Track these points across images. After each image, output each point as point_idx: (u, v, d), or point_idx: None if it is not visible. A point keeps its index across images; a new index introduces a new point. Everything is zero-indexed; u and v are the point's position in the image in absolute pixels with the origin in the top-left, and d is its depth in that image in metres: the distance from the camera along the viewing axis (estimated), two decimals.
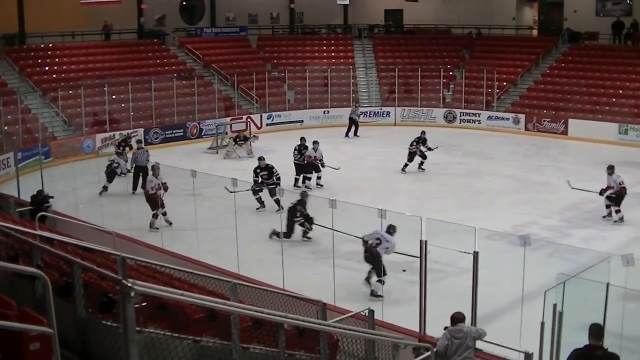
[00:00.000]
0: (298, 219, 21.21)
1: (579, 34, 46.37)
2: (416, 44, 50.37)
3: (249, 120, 40.40)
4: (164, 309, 8.18)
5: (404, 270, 18.14)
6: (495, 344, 11.61)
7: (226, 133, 37.49)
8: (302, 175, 28.33)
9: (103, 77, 39.60)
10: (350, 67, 47.45)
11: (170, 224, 23.02)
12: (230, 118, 40.54)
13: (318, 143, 28.52)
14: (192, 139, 38.91)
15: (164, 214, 22.90)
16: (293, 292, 13.14)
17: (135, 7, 46.00)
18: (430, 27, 52.99)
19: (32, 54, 40.56)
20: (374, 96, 46.20)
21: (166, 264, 12.44)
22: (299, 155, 28.38)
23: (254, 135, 35.85)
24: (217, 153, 35.34)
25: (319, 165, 28.21)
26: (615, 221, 23.57)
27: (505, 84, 44.32)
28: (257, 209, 24.71)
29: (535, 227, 22.75)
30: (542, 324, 10.96)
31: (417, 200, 25.78)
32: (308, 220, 21.30)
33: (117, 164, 27.39)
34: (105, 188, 26.91)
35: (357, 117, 40.91)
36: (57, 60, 41.31)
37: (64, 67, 40.79)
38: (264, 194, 24.30)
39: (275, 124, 42.79)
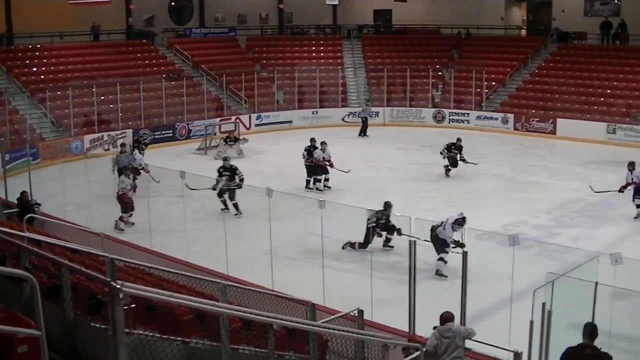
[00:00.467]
0: (376, 228, 20.08)
1: (567, 34, 46.46)
2: (405, 44, 50.43)
3: (237, 120, 40.35)
4: (153, 311, 8.16)
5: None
6: (485, 343, 11.62)
7: (215, 134, 37.44)
8: (312, 178, 28.03)
9: (91, 77, 39.46)
10: (339, 67, 47.48)
11: (133, 224, 22.97)
12: (219, 119, 40.53)
13: (326, 144, 28.22)
14: (181, 139, 38.87)
15: (130, 215, 22.87)
16: (282, 292, 13.14)
17: (124, 7, 45.85)
18: (419, 27, 53.06)
19: (20, 54, 40.37)
20: (363, 96, 46.17)
21: (155, 265, 12.41)
22: (308, 157, 28.03)
23: (244, 138, 35.81)
24: (205, 154, 35.28)
25: (327, 166, 27.87)
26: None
27: (494, 83, 44.41)
28: (222, 209, 24.44)
29: (524, 226, 22.81)
30: (531, 323, 10.98)
31: (407, 200, 25.77)
32: (388, 230, 20.31)
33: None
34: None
35: (368, 116, 41.13)
36: (45, 60, 41.18)
37: (52, 67, 40.70)
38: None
39: (264, 124, 42.78)
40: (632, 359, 13.35)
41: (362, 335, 10.95)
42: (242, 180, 24.34)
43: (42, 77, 39.31)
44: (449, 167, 29.80)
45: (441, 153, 29.91)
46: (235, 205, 23.92)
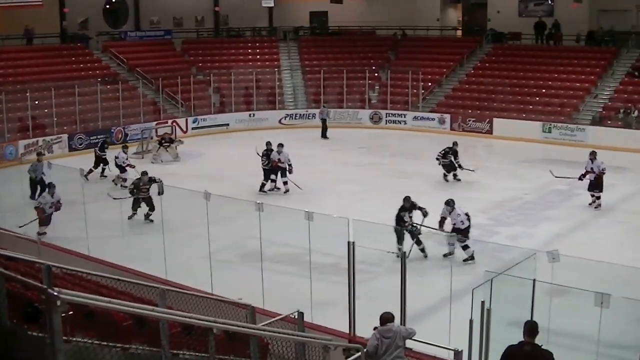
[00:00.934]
0: (406, 226, 19.98)
1: (502, 35, 47.08)
2: (341, 46, 50.54)
3: (174, 124, 40.15)
4: (91, 317, 8.08)
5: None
6: (425, 343, 11.67)
7: (152, 138, 37.23)
8: (269, 180, 28.09)
9: (25, 82, 38.93)
10: (276, 69, 47.46)
11: (44, 233, 22.59)
12: (156, 122, 40.25)
13: (283, 146, 28.20)
14: (118, 144, 38.47)
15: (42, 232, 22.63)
16: (222, 296, 13.08)
17: (58, 10, 45.35)
18: (355, 29, 53.28)
19: None
20: (300, 98, 46.23)
21: (93, 272, 12.30)
22: (266, 161, 28.01)
23: (179, 140, 35.66)
24: (142, 158, 35.03)
25: (286, 169, 27.80)
26: (596, 207, 24.87)
27: (430, 84, 44.79)
28: (129, 217, 24.08)
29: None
30: (471, 321, 11.07)
31: (342, 201, 25.85)
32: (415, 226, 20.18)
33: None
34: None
35: (327, 118, 41.19)
36: None
37: None
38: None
39: (201, 127, 42.61)
40: (572, 355, 13.49)
41: (303, 338, 10.94)
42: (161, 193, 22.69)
43: None
44: (446, 173, 29.39)
45: (437, 159, 29.34)
46: (147, 215, 23.84)
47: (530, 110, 40.32)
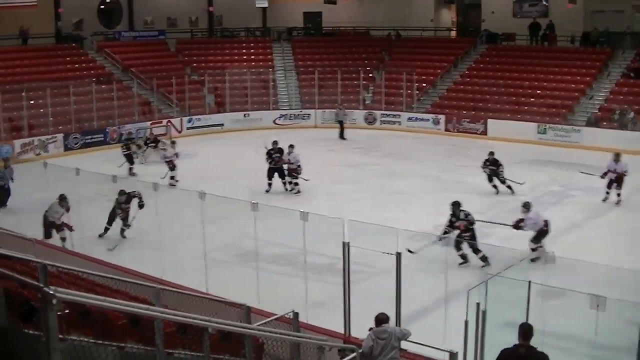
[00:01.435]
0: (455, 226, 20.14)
1: (496, 35, 47.08)
2: (335, 46, 50.64)
3: (169, 124, 40.16)
4: (87, 316, 8.09)
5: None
6: (420, 344, 11.67)
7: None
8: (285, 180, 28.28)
9: (21, 82, 38.90)
10: (270, 70, 47.52)
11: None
12: (151, 122, 40.27)
13: (294, 147, 28.37)
14: (113, 144, 38.45)
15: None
16: (217, 296, 13.08)
17: (53, 11, 45.36)
18: (349, 29, 53.32)
19: None
20: (294, 99, 46.23)
21: (88, 271, 12.30)
22: (270, 160, 28.11)
23: (172, 141, 35.61)
24: (137, 158, 34.97)
25: (294, 170, 27.93)
26: (617, 203, 25.65)
27: (424, 85, 44.80)
28: (99, 235, 22.97)
29: None
30: (466, 322, 11.08)
31: (335, 202, 25.86)
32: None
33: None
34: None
35: (344, 119, 41.13)
36: None
37: None
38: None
39: (196, 127, 42.62)
40: (567, 357, 13.52)
41: (298, 338, 10.94)
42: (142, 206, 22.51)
43: None
44: (491, 183, 27.83)
45: (482, 168, 27.97)
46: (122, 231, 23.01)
47: (525, 111, 40.29)
